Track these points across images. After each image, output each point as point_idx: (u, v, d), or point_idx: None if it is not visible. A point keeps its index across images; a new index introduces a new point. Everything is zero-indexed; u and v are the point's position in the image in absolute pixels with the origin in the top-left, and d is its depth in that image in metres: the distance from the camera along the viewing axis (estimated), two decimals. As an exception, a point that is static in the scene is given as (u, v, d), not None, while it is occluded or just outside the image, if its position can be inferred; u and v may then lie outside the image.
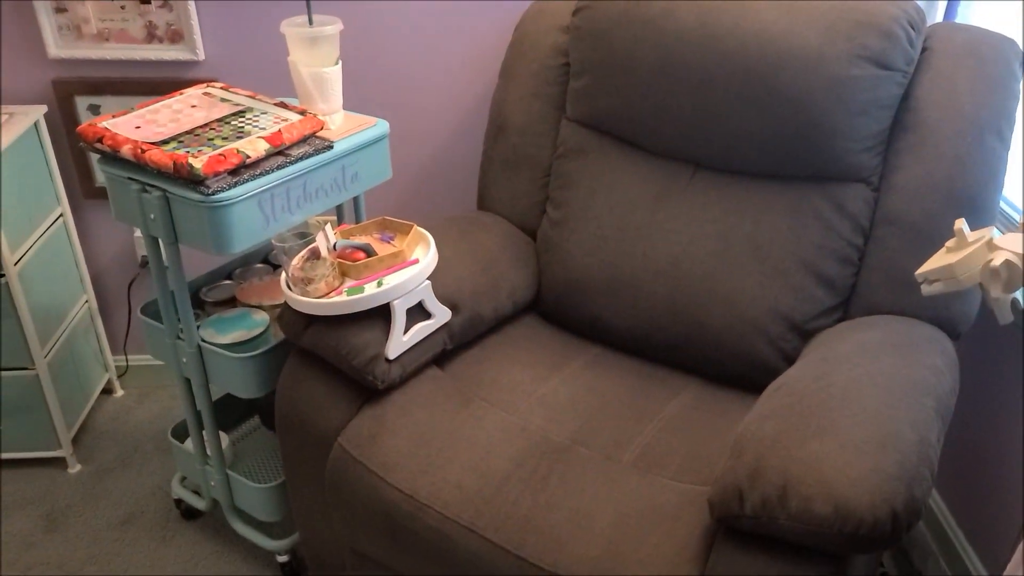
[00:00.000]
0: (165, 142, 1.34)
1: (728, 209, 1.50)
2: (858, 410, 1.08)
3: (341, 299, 1.33)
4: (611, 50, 1.54)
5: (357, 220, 1.69)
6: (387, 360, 1.36)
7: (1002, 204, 1.50)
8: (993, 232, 0.91)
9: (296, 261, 1.38)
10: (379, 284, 1.35)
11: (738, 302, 1.45)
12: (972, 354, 1.55)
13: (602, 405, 1.42)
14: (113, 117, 1.42)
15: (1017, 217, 1.48)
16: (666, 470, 1.28)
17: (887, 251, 1.39)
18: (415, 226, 1.47)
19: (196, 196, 1.29)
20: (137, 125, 1.40)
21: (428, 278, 1.40)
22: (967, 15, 1.64)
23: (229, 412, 1.83)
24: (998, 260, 0.81)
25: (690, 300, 1.49)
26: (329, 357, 1.36)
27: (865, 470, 0.99)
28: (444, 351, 1.48)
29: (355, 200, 1.66)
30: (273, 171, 1.36)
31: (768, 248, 1.45)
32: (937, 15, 1.68)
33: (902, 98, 1.38)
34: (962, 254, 0.88)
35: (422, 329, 1.41)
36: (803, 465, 1.02)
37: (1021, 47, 1.39)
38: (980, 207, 1.33)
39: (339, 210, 1.73)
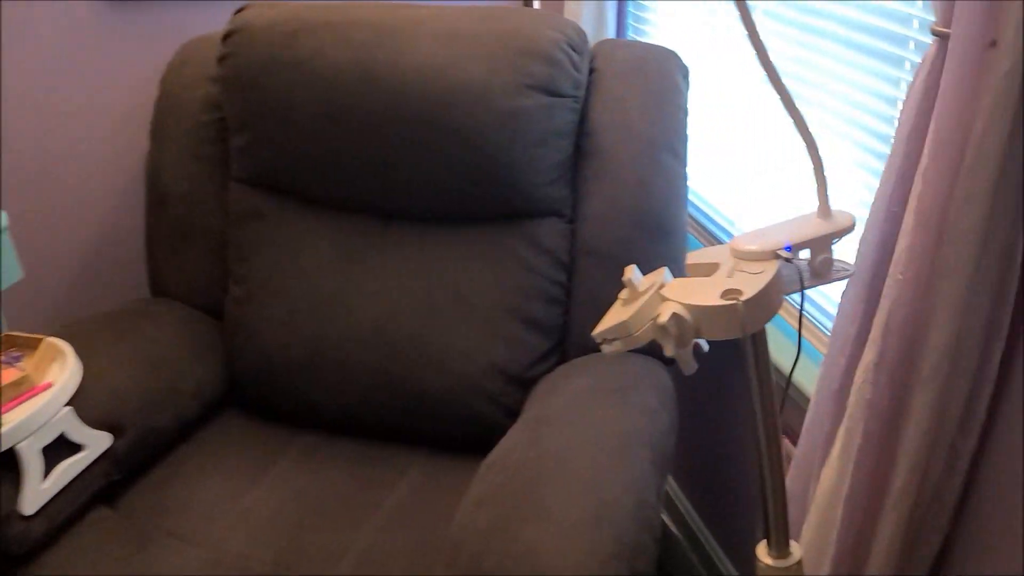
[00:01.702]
0: None
1: (428, 261, 1.36)
2: (571, 482, 0.97)
3: (-63, 458, 1.03)
4: (265, 99, 1.34)
5: (-14, 335, 1.36)
6: (23, 517, 1.07)
7: (720, 222, 1.49)
8: (665, 275, 0.82)
9: None
10: (-6, 427, 1.06)
11: (451, 362, 1.32)
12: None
13: (313, 511, 1.22)
14: None
15: (728, 233, 1.47)
16: (388, 578, 1.11)
17: (591, 284, 1.32)
18: (45, 339, 1.19)
19: None
20: None
21: (69, 402, 1.13)
22: (645, 29, 1.63)
23: None
24: (665, 315, 0.72)
25: (401, 367, 1.34)
26: (-63, 533, 1.05)
27: (582, 555, 0.88)
28: (111, 483, 1.21)
29: (-20, 312, 1.34)
30: None
31: (473, 298, 1.33)
32: (608, 30, 1.66)
33: (579, 123, 1.32)
34: (635, 308, 0.78)
35: (70, 468, 1.14)
36: (520, 560, 0.90)
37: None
38: (668, 228, 1.28)
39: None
